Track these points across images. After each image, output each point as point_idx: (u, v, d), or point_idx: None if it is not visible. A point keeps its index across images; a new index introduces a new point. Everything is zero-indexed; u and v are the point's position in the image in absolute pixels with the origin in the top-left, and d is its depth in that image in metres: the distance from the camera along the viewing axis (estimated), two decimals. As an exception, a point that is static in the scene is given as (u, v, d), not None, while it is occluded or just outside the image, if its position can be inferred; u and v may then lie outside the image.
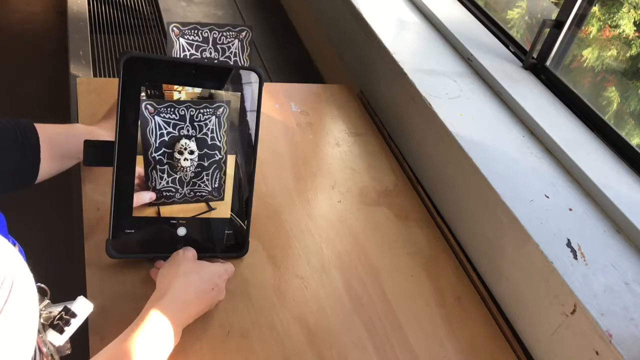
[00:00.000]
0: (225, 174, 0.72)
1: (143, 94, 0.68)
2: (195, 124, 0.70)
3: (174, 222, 0.71)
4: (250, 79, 0.71)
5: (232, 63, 0.89)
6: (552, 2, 1.16)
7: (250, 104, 0.72)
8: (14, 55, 2.16)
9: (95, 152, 0.68)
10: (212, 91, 0.71)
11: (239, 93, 0.72)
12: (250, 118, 0.73)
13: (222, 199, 0.73)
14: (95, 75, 1.25)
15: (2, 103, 1.93)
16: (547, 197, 0.79)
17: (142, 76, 0.67)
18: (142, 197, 0.69)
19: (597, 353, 0.63)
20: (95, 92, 0.95)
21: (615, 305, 0.65)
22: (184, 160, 0.70)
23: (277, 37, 1.54)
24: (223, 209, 0.73)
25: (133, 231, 0.69)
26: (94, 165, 0.68)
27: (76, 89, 0.96)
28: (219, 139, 0.71)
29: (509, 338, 0.75)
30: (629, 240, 0.75)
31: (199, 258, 0.73)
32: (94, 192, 0.78)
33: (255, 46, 1.47)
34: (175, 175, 0.70)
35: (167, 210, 0.71)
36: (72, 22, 1.40)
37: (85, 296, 0.65)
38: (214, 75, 0.70)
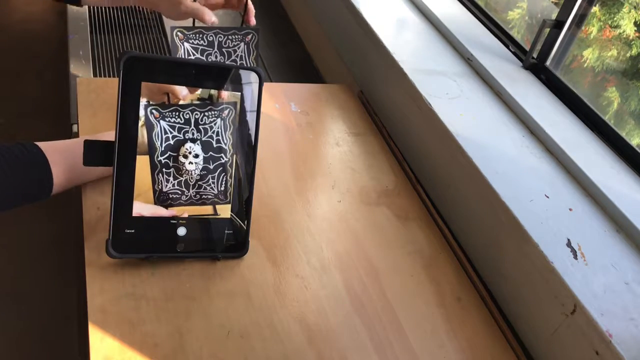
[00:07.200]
0: (231, 177, 0.72)
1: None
2: (200, 127, 0.70)
3: (174, 222, 0.71)
4: (250, 79, 0.71)
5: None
6: (552, 2, 1.16)
7: (250, 104, 0.72)
8: (14, 55, 2.16)
9: (95, 152, 0.68)
10: (212, 92, 0.71)
11: (239, 93, 0.72)
12: (250, 118, 0.73)
13: (229, 202, 0.73)
14: (95, 75, 1.25)
15: (2, 103, 1.93)
16: (547, 197, 0.79)
17: (142, 76, 0.67)
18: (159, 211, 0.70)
19: (597, 353, 0.63)
20: (95, 92, 0.95)
21: (615, 305, 0.65)
22: (189, 163, 0.70)
23: (277, 37, 1.53)
24: (223, 209, 0.73)
25: (133, 231, 0.69)
26: (94, 165, 0.68)
27: (76, 89, 0.96)
28: (225, 141, 0.71)
29: (509, 338, 0.75)
30: (629, 240, 0.75)
31: (199, 258, 0.73)
32: (94, 192, 0.78)
33: (255, 46, 1.46)
34: (181, 178, 0.71)
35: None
36: (72, 22, 1.40)
37: (85, 296, 0.65)
38: (214, 75, 0.70)
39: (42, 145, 0.71)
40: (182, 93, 0.72)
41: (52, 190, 0.71)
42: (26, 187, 0.69)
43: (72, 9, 1.46)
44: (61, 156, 0.71)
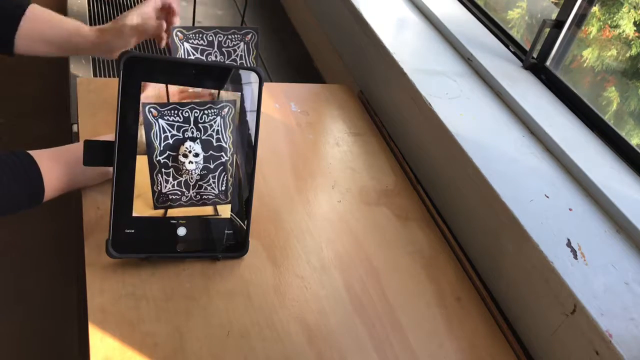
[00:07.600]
0: (232, 176, 0.72)
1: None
2: (200, 125, 0.70)
3: (174, 222, 0.71)
4: (250, 79, 0.71)
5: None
6: (552, 2, 1.16)
7: (250, 104, 0.72)
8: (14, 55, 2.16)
9: (95, 152, 0.68)
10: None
11: (239, 93, 0.72)
12: (250, 118, 0.73)
13: (229, 202, 0.73)
14: (95, 75, 1.25)
15: (2, 103, 1.92)
16: (547, 197, 0.79)
17: (142, 76, 0.67)
18: None
19: (597, 353, 0.63)
20: (95, 92, 0.95)
21: (615, 305, 0.66)
22: (189, 163, 0.70)
23: (277, 37, 1.53)
24: (223, 209, 0.73)
25: (133, 231, 0.69)
26: (94, 165, 0.68)
27: (76, 89, 0.96)
28: (225, 140, 0.71)
29: (509, 338, 0.75)
30: (629, 240, 0.75)
31: (199, 258, 0.73)
32: (94, 192, 0.78)
33: (255, 46, 1.46)
34: (181, 179, 0.70)
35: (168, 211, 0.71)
36: (72, 22, 1.39)
37: (85, 296, 0.65)
38: (214, 75, 0.70)
39: (34, 152, 0.70)
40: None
41: (44, 198, 0.70)
42: (16, 195, 0.68)
43: (72, 8, 1.46)
44: (53, 163, 0.70)
